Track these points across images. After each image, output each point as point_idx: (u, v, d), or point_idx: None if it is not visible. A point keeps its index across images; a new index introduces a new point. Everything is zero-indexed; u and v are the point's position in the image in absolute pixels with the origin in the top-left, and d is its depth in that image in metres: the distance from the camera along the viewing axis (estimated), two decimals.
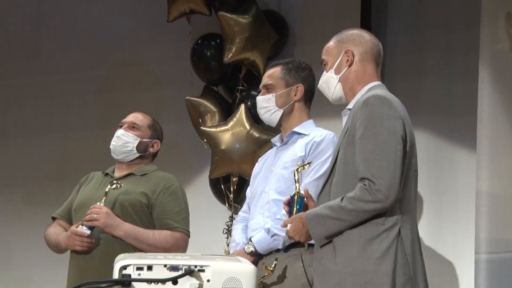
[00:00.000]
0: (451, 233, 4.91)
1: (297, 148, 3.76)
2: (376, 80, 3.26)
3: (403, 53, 5.07)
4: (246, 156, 5.10)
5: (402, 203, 3.10)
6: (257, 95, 3.91)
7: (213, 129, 5.23)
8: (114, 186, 3.89)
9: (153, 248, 3.82)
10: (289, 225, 3.19)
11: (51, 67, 6.05)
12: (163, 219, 3.93)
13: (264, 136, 5.11)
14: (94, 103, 5.94)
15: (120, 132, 4.09)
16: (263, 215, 3.73)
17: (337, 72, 3.26)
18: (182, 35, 5.52)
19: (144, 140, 4.08)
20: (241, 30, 5.20)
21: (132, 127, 4.09)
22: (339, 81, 3.26)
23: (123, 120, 4.15)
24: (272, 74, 3.83)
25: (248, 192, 3.96)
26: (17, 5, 6.16)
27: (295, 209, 3.24)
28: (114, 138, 4.08)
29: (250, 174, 4.33)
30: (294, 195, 3.25)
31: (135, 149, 4.06)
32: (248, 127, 5.17)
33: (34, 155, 6.04)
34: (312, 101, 3.89)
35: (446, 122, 4.99)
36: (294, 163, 3.63)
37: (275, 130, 4.34)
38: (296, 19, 5.44)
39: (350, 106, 3.24)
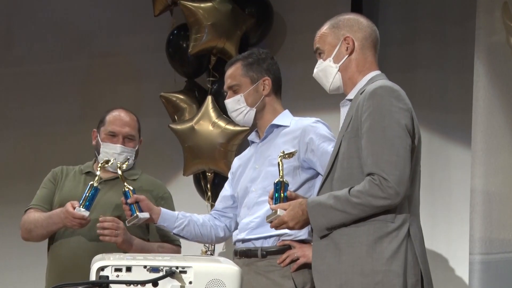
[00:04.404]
0: (444, 232, 4.90)
1: (283, 143, 3.62)
2: (375, 69, 3.18)
3: (395, 45, 5.04)
4: (214, 151, 5.01)
5: (411, 200, 3.04)
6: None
7: (179, 126, 5.14)
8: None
9: None
10: (279, 210, 3.06)
11: (25, 57, 5.98)
12: (162, 230, 3.87)
13: (230, 127, 4.99)
14: (70, 95, 5.88)
15: (119, 148, 3.92)
16: (252, 216, 3.63)
17: (336, 60, 3.16)
18: (164, 25, 5.46)
19: (137, 147, 4.01)
20: (203, 17, 5.07)
21: (129, 139, 3.96)
22: (338, 70, 3.16)
23: (116, 130, 3.95)
24: (234, 73, 3.69)
25: (226, 189, 3.84)
26: None
27: (282, 194, 3.11)
28: (114, 155, 3.89)
29: (224, 170, 4.19)
30: (280, 181, 3.12)
31: (133, 159, 3.97)
32: (213, 119, 5.06)
33: (5, 150, 5.97)
34: (281, 89, 3.77)
35: (440, 117, 4.98)
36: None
37: None
38: (286, 8, 5.41)
39: (350, 96, 3.16)
